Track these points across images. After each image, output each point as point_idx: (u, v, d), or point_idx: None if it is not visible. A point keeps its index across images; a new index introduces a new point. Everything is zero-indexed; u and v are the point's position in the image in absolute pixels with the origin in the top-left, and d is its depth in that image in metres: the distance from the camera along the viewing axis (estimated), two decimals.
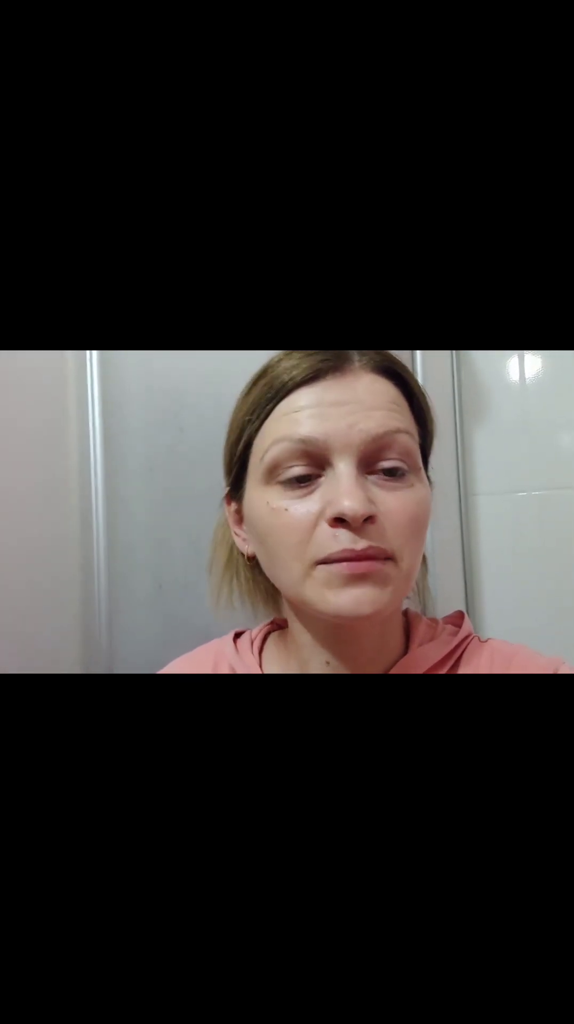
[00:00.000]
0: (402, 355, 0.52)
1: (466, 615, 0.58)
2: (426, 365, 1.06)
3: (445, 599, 1.09)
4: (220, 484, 0.57)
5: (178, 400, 0.79)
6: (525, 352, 1.51)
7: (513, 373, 1.51)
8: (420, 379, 1.03)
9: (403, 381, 0.51)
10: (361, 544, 0.45)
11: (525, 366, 1.51)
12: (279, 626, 0.60)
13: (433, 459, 0.56)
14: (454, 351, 1.55)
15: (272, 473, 0.48)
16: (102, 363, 0.72)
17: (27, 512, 0.68)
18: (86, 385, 0.71)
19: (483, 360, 1.54)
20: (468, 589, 1.46)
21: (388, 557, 0.47)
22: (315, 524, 0.46)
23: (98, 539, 0.69)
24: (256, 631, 0.60)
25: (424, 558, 0.55)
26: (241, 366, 0.53)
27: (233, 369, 0.53)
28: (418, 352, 1.05)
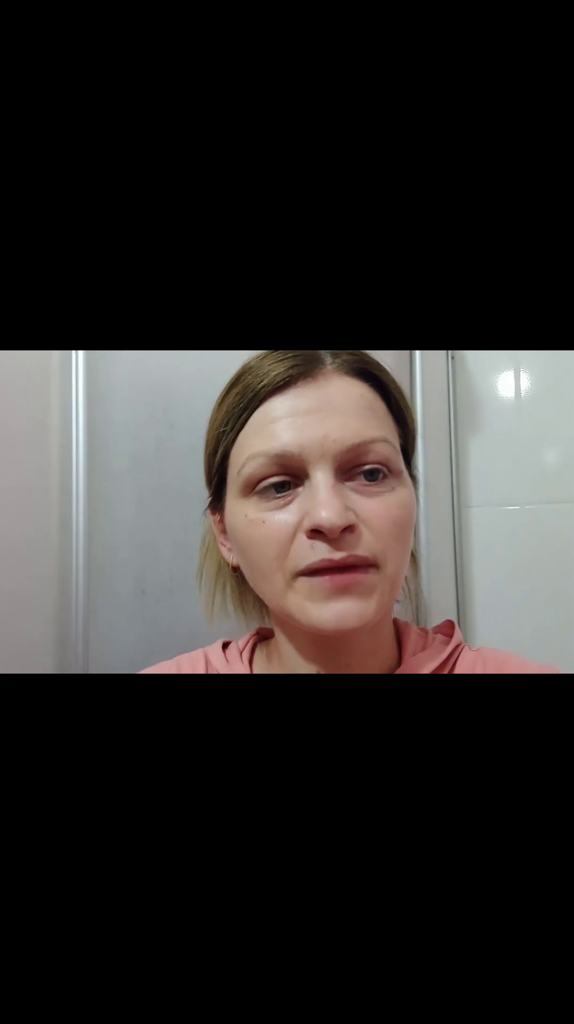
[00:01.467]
0: (401, 365, 0.49)
1: (456, 624, 0.57)
2: (423, 377, 1.04)
3: (437, 609, 1.05)
4: None
5: (168, 396, 0.74)
6: (520, 367, 1.53)
7: (508, 387, 1.53)
8: (418, 391, 1.00)
9: (379, 382, 0.49)
10: (339, 554, 0.43)
11: (520, 381, 1.53)
12: (264, 637, 0.57)
13: (428, 470, 0.53)
14: (450, 365, 1.55)
15: (249, 485, 0.46)
16: (88, 355, 0.67)
17: (2, 509, 0.63)
18: (70, 377, 0.66)
19: (478, 373, 1.57)
20: (460, 599, 1.46)
21: (371, 564, 0.44)
22: (294, 536, 0.44)
23: (77, 539, 0.64)
24: (242, 642, 0.57)
25: (414, 559, 0.53)
26: (236, 362, 0.50)
27: (228, 365, 0.50)
28: (417, 364, 1.02)
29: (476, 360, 1.56)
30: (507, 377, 1.53)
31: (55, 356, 0.66)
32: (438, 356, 1.41)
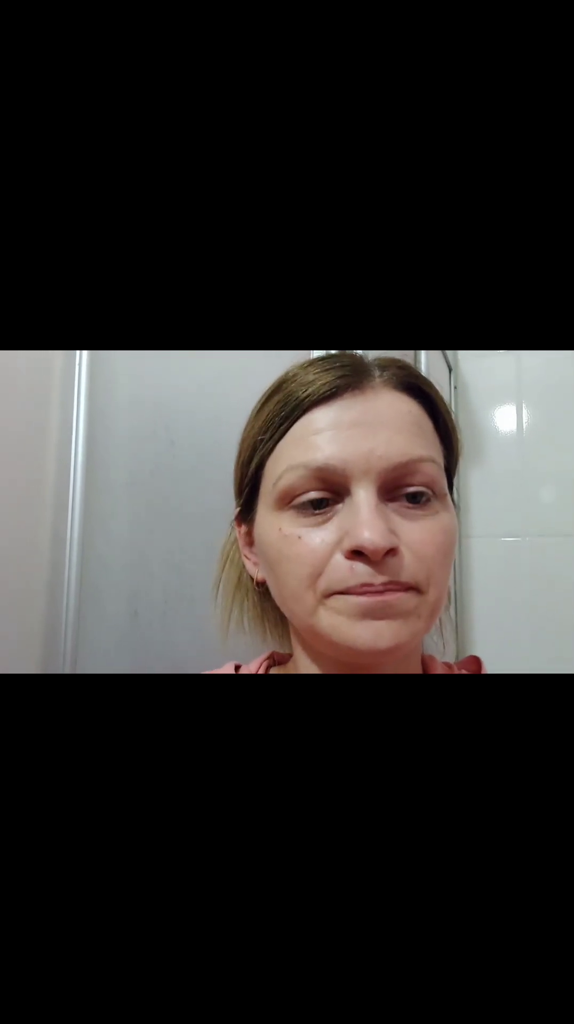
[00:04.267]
0: None
1: (482, 662, 0.52)
2: None
3: (436, 635, 1.00)
4: (210, 503, 0.49)
5: (170, 413, 0.70)
6: (522, 403, 1.55)
7: (510, 422, 1.55)
8: None
9: (428, 399, 0.44)
10: (381, 578, 0.39)
11: (522, 416, 1.55)
12: (277, 661, 0.52)
13: None
14: (453, 396, 1.55)
15: (285, 498, 0.42)
16: (91, 366, 0.63)
17: None
18: (72, 389, 0.62)
19: (481, 408, 1.59)
20: (459, 626, 1.49)
21: (411, 588, 0.40)
22: (330, 554, 0.40)
23: (70, 555, 0.59)
24: (254, 665, 0.51)
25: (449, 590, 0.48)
26: (242, 380, 0.46)
27: (232, 383, 0.46)
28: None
29: (478, 394, 1.56)
30: (509, 412, 1.54)
31: (58, 366, 0.62)
32: (441, 388, 1.39)
